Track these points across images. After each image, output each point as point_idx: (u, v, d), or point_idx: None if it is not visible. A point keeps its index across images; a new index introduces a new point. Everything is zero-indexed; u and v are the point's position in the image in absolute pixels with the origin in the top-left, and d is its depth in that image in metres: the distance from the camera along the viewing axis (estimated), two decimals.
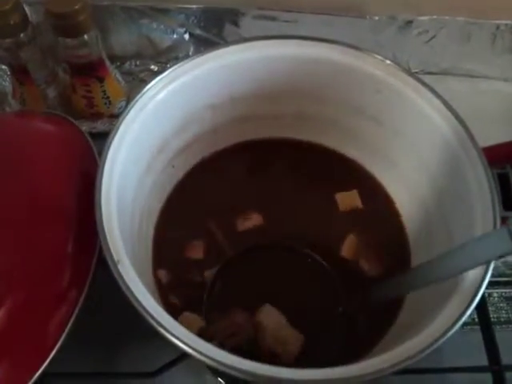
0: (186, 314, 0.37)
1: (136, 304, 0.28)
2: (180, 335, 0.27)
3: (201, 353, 0.27)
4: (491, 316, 0.47)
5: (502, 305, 0.50)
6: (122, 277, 0.28)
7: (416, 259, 0.41)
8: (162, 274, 0.40)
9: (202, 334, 0.35)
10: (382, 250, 0.41)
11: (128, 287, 0.28)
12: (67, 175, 0.35)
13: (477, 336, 0.44)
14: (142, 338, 0.42)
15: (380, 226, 0.43)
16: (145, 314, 0.27)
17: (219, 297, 0.39)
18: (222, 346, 0.32)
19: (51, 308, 0.33)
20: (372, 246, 0.42)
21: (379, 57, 0.38)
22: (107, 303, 0.37)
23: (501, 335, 0.44)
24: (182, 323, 0.28)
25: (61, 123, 0.38)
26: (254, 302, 0.37)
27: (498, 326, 0.48)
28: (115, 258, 0.29)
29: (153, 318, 0.27)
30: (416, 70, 0.60)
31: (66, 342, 0.33)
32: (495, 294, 0.50)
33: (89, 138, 0.39)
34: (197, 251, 0.41)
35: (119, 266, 0.29)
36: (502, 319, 0.49)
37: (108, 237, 0.30)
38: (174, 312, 0.36)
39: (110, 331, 0.42)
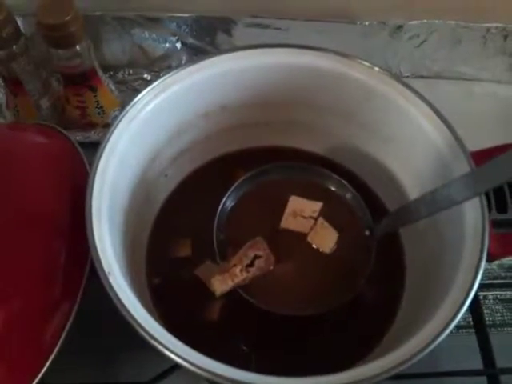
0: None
1: (127, 316, 0.28)
2: (172, 347, 0.27)
3: (193, 364, 0.27)
4: (487, 319, 0.47)
5: (497, 307, 0.50)
6: (113, 289, 0.28)
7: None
8: (156, 281, 0.40)
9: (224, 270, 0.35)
10: None
11: (119, 299, 0.28)
12: (58, 186, 0.35)
13: (473, 339, 0.44)
14: (137, 347, 0.42)
15: None
16: (136, 326, 0.28)
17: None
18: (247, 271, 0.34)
19: (44, 319, 0.33)
20: None
21: (368, 64, 0.39)
22: (102, 312, 0.37)
23: (496, 338, 0.44)
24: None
25: (51, 134, 0.38)
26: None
27: (493, 329, 0.48)
28: (106, 270, 0.29)
29: (144, 329, 0.27)
30: (407, 75, 0.60)
31: (61, 353, 0.33)
32: (490, 297, 0.50)
33: (80, 149, 0.39)
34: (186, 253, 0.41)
35: (110, 278, 0.29)
36: (498, 322, 0.49)
37: (99, 249, 0.30)
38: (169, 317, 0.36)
39: (105, 341, 0.42)
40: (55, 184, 0.36)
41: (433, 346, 0.29)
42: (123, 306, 0.28)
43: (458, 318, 0.29)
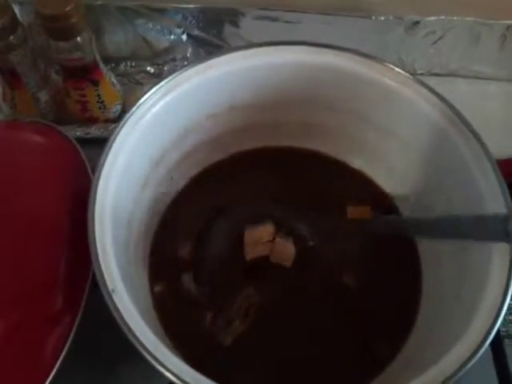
0: None
1: (132, 339, 0.26)
2: (177, 370, 0.25)
3: None
4: (500, 330, 0.45)
5: (510, 318, 0.48)
6: (117, 309, 0.27)
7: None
8: (159, 289, 0.38)
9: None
10: None
11: (123, 320, 0.26)
12: (57, 191, 0.34)
13: (486, 350, 0.42)
14: (136, 359, 0.40)
15: None
16: (141, 349, 0.26)
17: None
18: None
19: (45, 331, 0.32)
20: None
21: (389, 65, 0.36)
22: (101, 322, 0.36)
23: (510, 349, 0.42)
24: None
25: (51, 134, 0.36)
26: None
27: (506, 340, 0.47)
28: (110, 287, 0.27)
29: (150, 354, 0.26)
30: (422, 72, 0.58)
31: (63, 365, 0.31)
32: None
33: (80, 149, 0.36)
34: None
35: (114, 297, 0.27)
36: None
37: (102, 266, 0.28)
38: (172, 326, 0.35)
39: (104, 351, 0.41)
40: (55, 187, 0.34)
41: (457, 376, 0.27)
42: (129, 328, 0.26)
43: (482, 350, 0.28)
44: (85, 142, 0.41)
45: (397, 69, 0.37)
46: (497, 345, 0.43)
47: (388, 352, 0.36)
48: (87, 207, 0.31)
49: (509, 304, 0.47)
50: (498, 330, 0.43)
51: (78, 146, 0.37)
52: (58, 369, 0.32)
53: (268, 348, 0.37)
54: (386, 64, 0.36)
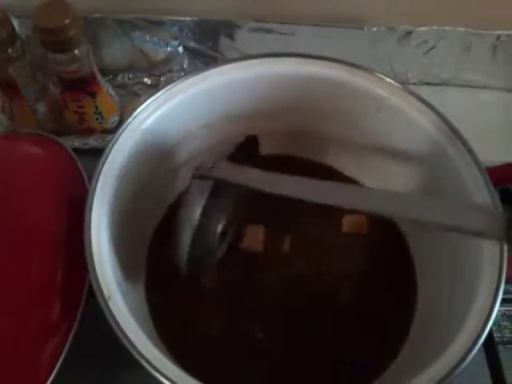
0: None
1: (128, 346, 0.26)
2: (174, 378, 0.26)
3: None
4: (494, 335, 0.45)
5: (505, 323, 0.48)
6: (113, 316, 0.27)
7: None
8: (156, 297, 0.39)
9: None
10: None
11: (120, 327, 0.27)
12: (54, 200, 0.34)
13: (481, 356, 0.43)
14: (137, 366, 0.41)
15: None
16: (137, 356, 0.26)
17: None
18: None
19: (42, 339, 0.32)
20: None
21: (380, 75, 0.37)
22: (99, 329, 0.36)
23: (504, 355, 0.43)
24: None
25: (48, 145, 0.37)
26: None
27: (501, 346, 0.47)
28: (106, 294, 0.28)
29: (147, 360, 0.26)
30: (414, 81, 0.59)
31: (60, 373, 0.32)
32: (498, 313, 0.49)
33: (77, 160, 0.37)
34: None
35: (110, 304, 0.27)
36: (506, 339, 0.48)
37: (98, 273, 0.28)
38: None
39: (104, 359, 0.41)
40: (52, 196, 0.35)
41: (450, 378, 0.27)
42: (125, 335, 0.26)
43: (476, 349, 0.28)
44: (83, 152, 0.41)
45: (388, 79, 0.37)
46: (491, 351, 0.43)
47: (383, 359, 0.36)
48: (84, 216, 0.31)
49: (504, 311, 0.49)
50: (493, 336, 0.44)
51: (75, 157, 0.37)
52: (55, 376, 0.32)
53: (265, 354, 0.37)
54: (377, 74, 0.37)
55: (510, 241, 0.29)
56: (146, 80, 0.57)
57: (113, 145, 0.33)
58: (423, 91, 0.38)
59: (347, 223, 0.41)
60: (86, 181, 0.36)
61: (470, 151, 0.35)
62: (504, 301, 0.49)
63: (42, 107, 0.51)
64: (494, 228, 0.28)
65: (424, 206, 0.30)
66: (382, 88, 0.37)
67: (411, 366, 0.32)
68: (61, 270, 0.32)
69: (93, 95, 0.49)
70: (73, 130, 0.52)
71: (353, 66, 0.37)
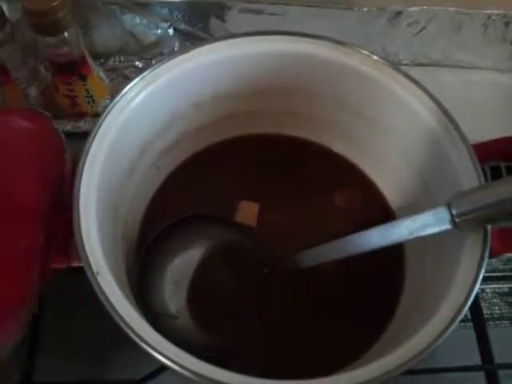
0: None
1: (117, 319, 0.27)
2: (161, 349, 0.26)
3: (183, 366, 0.26)
4: (484, 312, 0.46)
5: (495, 300, 0.49)
6: (102, 290, 0.27)
7: None
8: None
9: None
10: None
11: (109, 301, 0.27)
12: (38, 175, 0.33)
13: (470, 333, 0.43)
14: (130, 344, 0.41)
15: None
16: (127, 330, 0.27)
17: None
18: None
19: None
20: None
21: (366, 52, 0.37)
22: (91, 309, 0.36)
23: (494, 332, 0.43)
24: None
25: (35, 120, 0.36)
26: None
27: (491, 322, 0.48)
28: (94, 269, 0.28)
29: (135, 333, 0.26)
30: (406, 62, 0.59)
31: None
32: (488, 290, 0.50)
33: (63, 136, 0.37)
34: None
35: (99, 278, 0.28)
36: (495, 315, 0.48)
37: (87, 247, 0.29)
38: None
39: (96, 338, 0.42)
40: (35, 171, 0.33)
41: (434, 346, 0.28)
42: (114, 308, 0.27)
43: (460, 317, 0.29)
44: (75, 136, 0.41)
45: (374, 56, 0.37)
46: (480, 326, 0.44)
47: (372, 335, 0.37)
48: (72, 197, 0.31)
49: (494, 288, 0.49)
50: (482, 313, 0.44)
51: (61, 132, 0.37)
52: None
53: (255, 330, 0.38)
54: (362, 51, 0.37)
55: (457, 226, 0.30)
56: (137, 63, 0.57)
57: (101, 123, 0.34)
58: (415, 72, 0.38)
59: (339, 197, 0.42)
60: (67, 153, 0.35)
61: (458, 129, 0.35)
62: (494, 278, 0.50)
63: (33, 91, 0.51)
64: (442, 222, 0.30)
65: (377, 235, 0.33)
66: (367, 65, 0.37)
67: (399, 337, 0.32)
68: (41, 238, 0.32)
69: (83, 78, 0.49)
70: (65, 114, 0.52)
71: (338, 43, 0.37)
